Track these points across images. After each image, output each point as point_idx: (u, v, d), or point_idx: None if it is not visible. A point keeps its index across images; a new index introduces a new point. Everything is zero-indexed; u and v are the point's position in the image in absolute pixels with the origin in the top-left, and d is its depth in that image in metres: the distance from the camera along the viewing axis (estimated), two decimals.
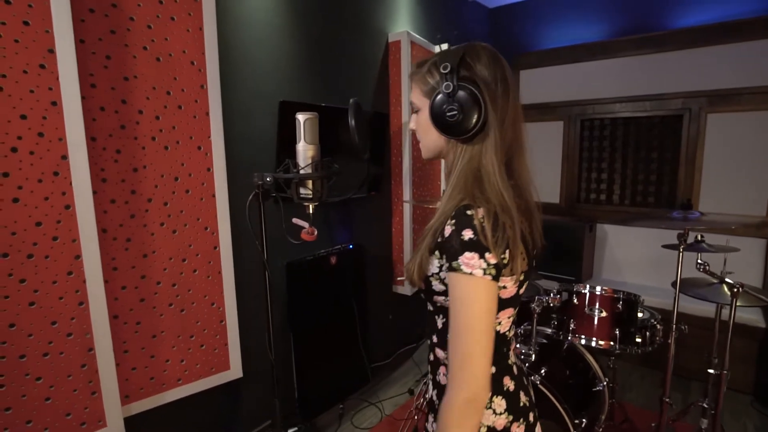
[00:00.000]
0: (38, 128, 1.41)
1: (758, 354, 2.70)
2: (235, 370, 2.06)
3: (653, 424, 2.14)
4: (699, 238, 1.85)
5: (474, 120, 0.80)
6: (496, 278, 0.77)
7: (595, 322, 1.87)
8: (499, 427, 0.86)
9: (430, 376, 0.97)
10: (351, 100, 1.03)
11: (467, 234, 0.76)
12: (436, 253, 0.83)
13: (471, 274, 0.75)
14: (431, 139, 0.89)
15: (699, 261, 1.74)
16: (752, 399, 2.70)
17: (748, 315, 2.70)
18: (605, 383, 2.00)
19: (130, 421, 1.73)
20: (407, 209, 3.01)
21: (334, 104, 2.52)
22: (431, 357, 0.96)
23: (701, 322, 2.69)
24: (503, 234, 0.77)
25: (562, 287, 2.00)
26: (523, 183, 0.89)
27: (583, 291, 1.90)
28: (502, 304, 0.84)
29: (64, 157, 1.47)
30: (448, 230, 0.79)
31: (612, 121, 3.52)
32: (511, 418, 0.87)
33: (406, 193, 2.99)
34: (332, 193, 2.21)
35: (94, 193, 1.56)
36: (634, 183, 3.49)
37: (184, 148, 1.80)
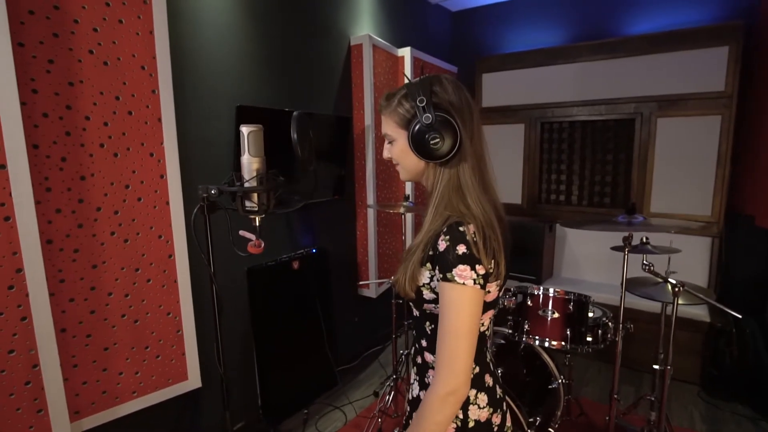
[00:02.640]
0: None
1: (703, 347, 2.85)
2: (193, 380, 2.02)
3: (607, 417, 2.23)
4: (644, 240, 1.94)
5: (451, 143, 0.89)
6: (483, 287, 0.86)
7: (548, 323, 1.93)
8: (483, 419, 0.97)
9: (416, 377, 1.05)
10: (294, 113, 1.03)
11: (461, 249, 0.85)
12: (428, 265, 0.91)
13: (463, 284, 0.84)
14: (411, 164, 0.97)
15: (644, 262, 1.83)
16: (699, 389, 2.86)
17: (695, 310, 2.84)
18: (560, 381, 2.07)
19: None
20: (371, 212, 3.02)
21: (296, 108, 2.50)
22: (419, 360, 1.03)
23: (650, 317, 2.82)
24: (490, 246, 0.88)
25: (517, 289, 2.06)
26: (494, 195, 0.97)
27: (536, 293, 1.96)
28: (486, 306, 0.93)
29: (2, 166, 1.40)
30: (442, 245, 0.86)
31: (570, 124, 3.63)
32: (491, 410, 0.98)
33: (370, 197, 3.00)
34: (293, 198, 2.20)
35: (38, 203, 1.50)
36: (591, 184, 3.61)
37: (136, 155, 1.76)
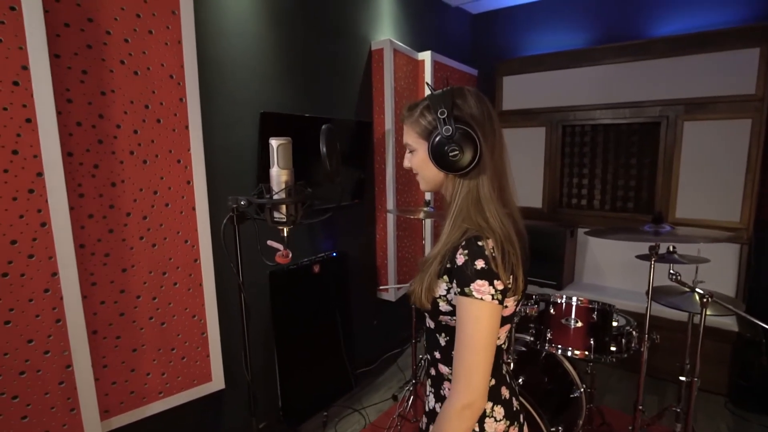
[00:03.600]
0: (12, 146, 1.40)
1: (731, 357, 2.78)
2: (217, 382, 2.06)
3: (630, 428, 2.19)
4: (671, 249, 1.90)
5: (471, 156, 0.89)
6: (501, 302, 0.86)
7: (571, 332, 1.91)
8: None
9: (431, 389, 1.05)
10: (323, 127, 1.05)
11: (480, 264, 0.85)
12: (445, 277, 0.91)
13: (481, 299, 0.84)
14: (431, 175, 0.97)
15: (671, 271, 1.79)
16: (726, 400, 2.78)
17: (722, 319, 2.76)
18: (582, 390, 2.04)
19: None
20: (391, 216, 3.03)
21: (318, 114, 2.53)
22: (433, 372, 1.03)
23: (677, 326, 2.76)
24: (509, 261, 0.87)
25: (539, 297, 2.04)
26: (514, 209, 0.96)
27: (559, 301, 1.94)
28: (503, 320, 0.92)
29: (40, 174, 1.46)
30: (460, 259, 0.87)
31: (593, 128, 3.57)
32: (507, 423, 0.98)
33: (390, 201, 3.01)
34: (315, 203, 2.22)
35: (71, 208, 1.55)
36: (614, 188, 3.55)
37: (164, 162, 1.80)
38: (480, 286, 0.84)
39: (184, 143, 1.85)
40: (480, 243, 0.86)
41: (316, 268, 2.61)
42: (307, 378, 2.58)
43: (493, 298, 0.84)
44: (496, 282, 0.85)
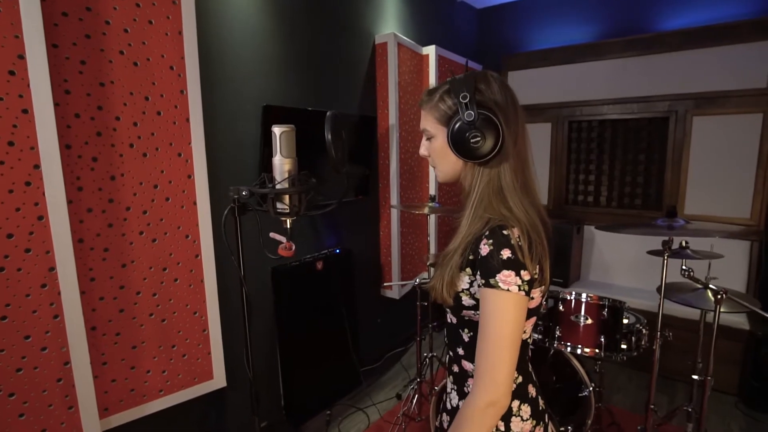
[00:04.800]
0: (8, 137, 1.36)
1: (742, 356, 2.72)
2: (218, 380, 2.03)
3: (639, 427, 2.14)
4: (683, 244, 1.85)
5: (493, 143, 0.85)
6: (528, 293, 0.83)
7: (581, 329, 1.86)
8: None
9: (453, 386, 1.01)
10: (328, 113, 1.01)
11: (506, 253, 0.81)
12: (467, 270, 0.87)
13: (507, 290, 0.81)
14: (449, 163, 0.93)
15: (683, 267, 1.75)
16: (736, 400, 2.73)
17: (733, 317, 2.72)
18: (591, 389, 2.00)
19: None
20: (395, 213, 2.99)
21: (320, 108, 2.49)
22: (455, 369, 0.99)
23: (687, 324, 2.71)
24: (536, 251, 0.84)
25: (547, 293, 2.00)
26: (536, 198, 0.92)
27: (568, 298, 1.90)
28: (529, 313, 0.88)
29: (37, 166, 1.42)
30: (485, 249, 0.83)
31: (600, 123, 3.52)
32: (534, 422, 0.94)
33: (394, 197, 2.96)
34: (318, 198, 2.18)
35: (70, 202, 1.52)
36: (622, 185, 3.50)
37: (164, 155, 1.76)
38: (506, 277, 0.80)
39: (185, 136, 1.81)
40: (505, 232, 0.82)
41: (320, 265, 2.57)
42: (310, 376, 2.55)
43: (519, 289, 0.81)
44: (522, 272, 0.81)
